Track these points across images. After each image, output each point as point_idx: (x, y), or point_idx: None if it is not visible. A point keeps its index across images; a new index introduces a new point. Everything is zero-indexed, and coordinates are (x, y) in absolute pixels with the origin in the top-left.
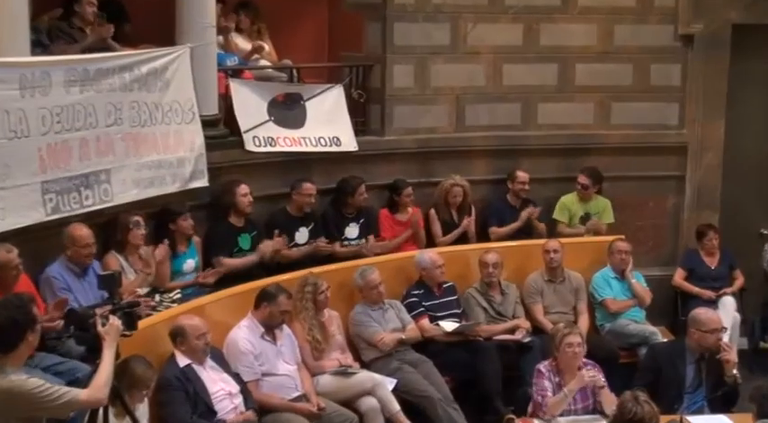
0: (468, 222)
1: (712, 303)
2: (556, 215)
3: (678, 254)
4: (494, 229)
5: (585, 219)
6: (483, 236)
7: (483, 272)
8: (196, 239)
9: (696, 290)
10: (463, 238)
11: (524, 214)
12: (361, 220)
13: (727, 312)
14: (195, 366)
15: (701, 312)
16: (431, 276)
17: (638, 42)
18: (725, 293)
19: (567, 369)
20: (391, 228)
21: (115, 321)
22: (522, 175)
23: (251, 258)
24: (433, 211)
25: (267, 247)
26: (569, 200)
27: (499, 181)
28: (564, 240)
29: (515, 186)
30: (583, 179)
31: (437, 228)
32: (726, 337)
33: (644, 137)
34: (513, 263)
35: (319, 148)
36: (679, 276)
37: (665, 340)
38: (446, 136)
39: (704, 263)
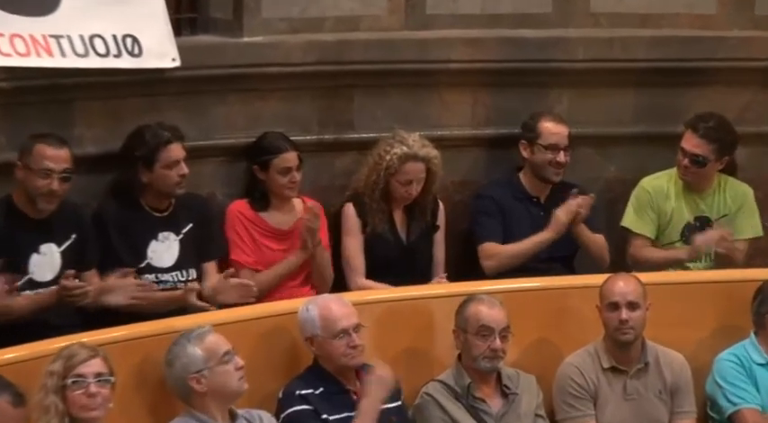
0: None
1: None
2: (628, 221)
3: None
4: (490, 247)
5: (698, 230)
6: (467, 261)
7: (470, 344)
8: None
9: None
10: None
11: (561, 213)
12: (187, 227)
13: None
14: None
15: None
16: (332, 355)
17: None
18: None
19: None
20: (253, 242)
21: None
22: (554, 128)
23: None
24: (350, 209)
25: None
26: (659, 185)
27: (502, 142)
28: (646, 278)
29: (538, 155)
30: (692, 142)
31: (354, 247)
32: None
33: None
34: (532, 326)
35: (94, 62)
36: None
37: None
38: (383, 37)
39: None
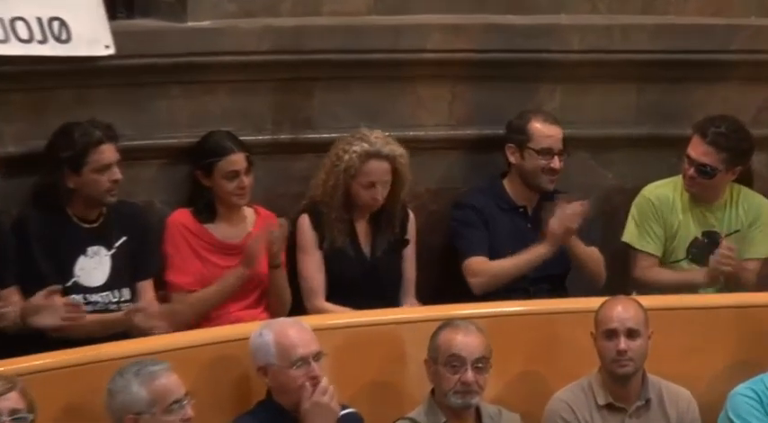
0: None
1: None
2: (629, 236)
3: None
4: (477, 263)
5: (706, 247)
6: (443, 281)
7: (440, 377)
8: None
9: None
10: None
11: (555, 224)
12: (120, 241)
13: None
14: None
15: None
16: (288, 387)
17: None
18: None
19: None
20: (197, 258)
21: None
22: (548, 130)
23: None
24: (305, 222)
25: None
26: (664, 195)
27: (485, 144)
28: (649, 302)
29: (529, 161)
30: (699, 149)
31: (311, 265)
32: None
33: None
34: (517, 356)
35: (15, 49)
36: None
37: None
38: (348, 23)
39: None
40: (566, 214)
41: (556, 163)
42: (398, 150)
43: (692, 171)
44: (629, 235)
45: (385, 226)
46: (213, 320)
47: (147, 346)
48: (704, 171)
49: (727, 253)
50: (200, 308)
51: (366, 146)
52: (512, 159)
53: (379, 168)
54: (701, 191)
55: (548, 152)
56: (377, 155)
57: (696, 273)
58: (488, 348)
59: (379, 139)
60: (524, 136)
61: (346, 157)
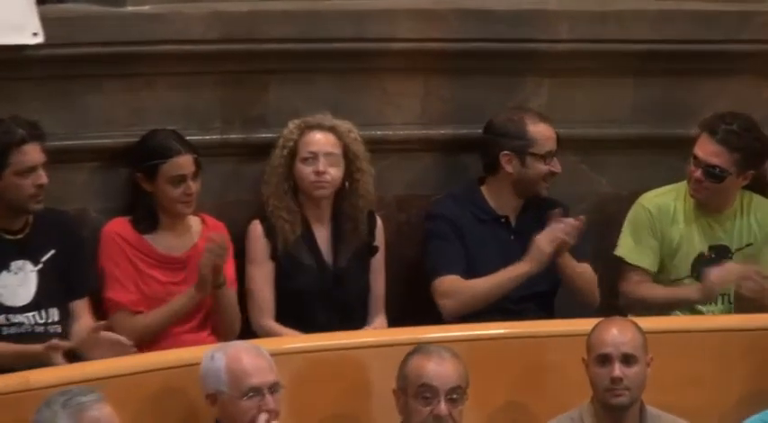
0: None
1: None
2: (623, 250)
3: None
4: (448, 283)
5: (713, 261)
6: (414, 300)
7: (410, 409)
8: None
9: None
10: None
11: (544, 241)
12: (48, 254)
13: None
14: None
15: None
16: (237, 420)
17: None
18: None
19: None
20: (135, 273)
21: None
22: (547, 131)
23: None
24: (256, 229)
25: None
26: (664, 204)
27: (461, 145)
28: (648, 324)
29: (534, 168)
30: (708, 149)
31: (261, 278)
32: None
33: None
34: (500, 385)
35: None
36: None
37: None
38: (307, 8)
39: None
40: (558, 231)
41: (557, 166)
42: (345, 125)
43: (699, 173)
44: (624, 248)
45: (350, 231)
46: (153, 345)
47: (81, 373)
48: (713, 173)
49: (754, 275)
50: (148, 334)
51: (308, 120)
52: (508, 168)
53: (321, 139)
54: (709, 197)
55: (550, 155)
56: (318, 126)
57: (689, 289)
58: (464, 377)
59: (322, 117)
60: (524, 141)
61: (285, 132)
